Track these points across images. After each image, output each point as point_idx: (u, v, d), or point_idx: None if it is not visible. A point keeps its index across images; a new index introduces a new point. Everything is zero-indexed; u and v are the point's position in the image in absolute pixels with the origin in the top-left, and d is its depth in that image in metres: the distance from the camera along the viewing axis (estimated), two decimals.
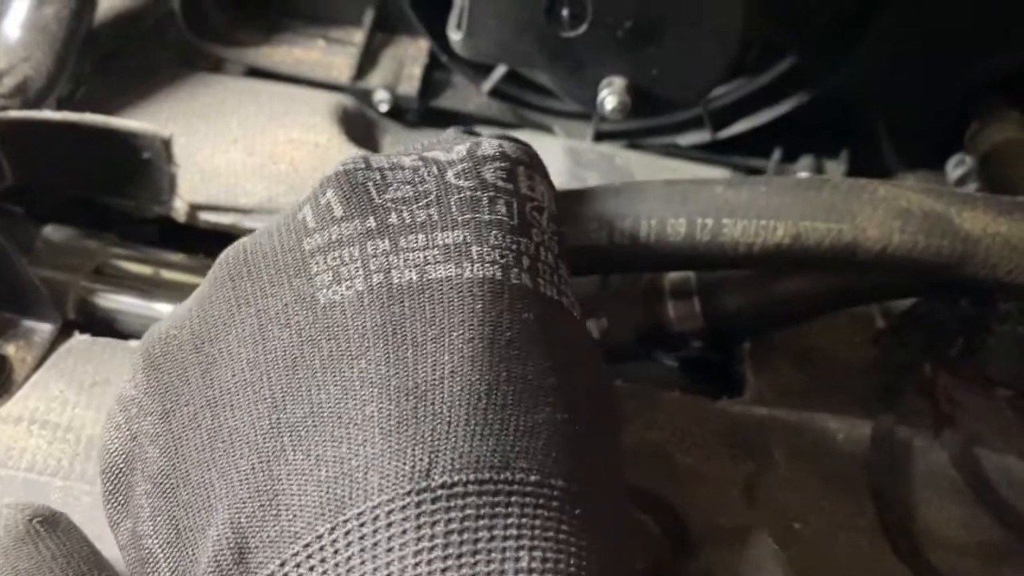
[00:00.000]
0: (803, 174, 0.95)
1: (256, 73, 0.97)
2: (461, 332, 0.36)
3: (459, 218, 0.39)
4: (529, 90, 0.97)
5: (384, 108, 0.97)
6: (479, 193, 0.40)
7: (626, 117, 0.69)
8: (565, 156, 0.91)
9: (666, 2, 0.64)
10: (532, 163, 0.45)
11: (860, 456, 0.62)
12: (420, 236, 0.38)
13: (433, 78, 0.99)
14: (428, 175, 0.41)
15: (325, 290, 0.37)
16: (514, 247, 0.39)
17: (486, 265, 0.38)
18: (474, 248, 0.38)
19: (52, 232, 0.74)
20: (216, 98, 0.88)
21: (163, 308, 0.69)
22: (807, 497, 0.59)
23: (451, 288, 0.37)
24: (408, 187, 0.40)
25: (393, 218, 0.39)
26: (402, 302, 0.37)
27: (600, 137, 0.98)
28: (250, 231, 0.72)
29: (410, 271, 0.37)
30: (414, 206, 0.39)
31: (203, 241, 0.77)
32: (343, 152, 0.83)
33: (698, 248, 0.54)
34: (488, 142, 0.43)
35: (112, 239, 0.75)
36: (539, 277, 0.39)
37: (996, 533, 0.59)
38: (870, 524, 0.58)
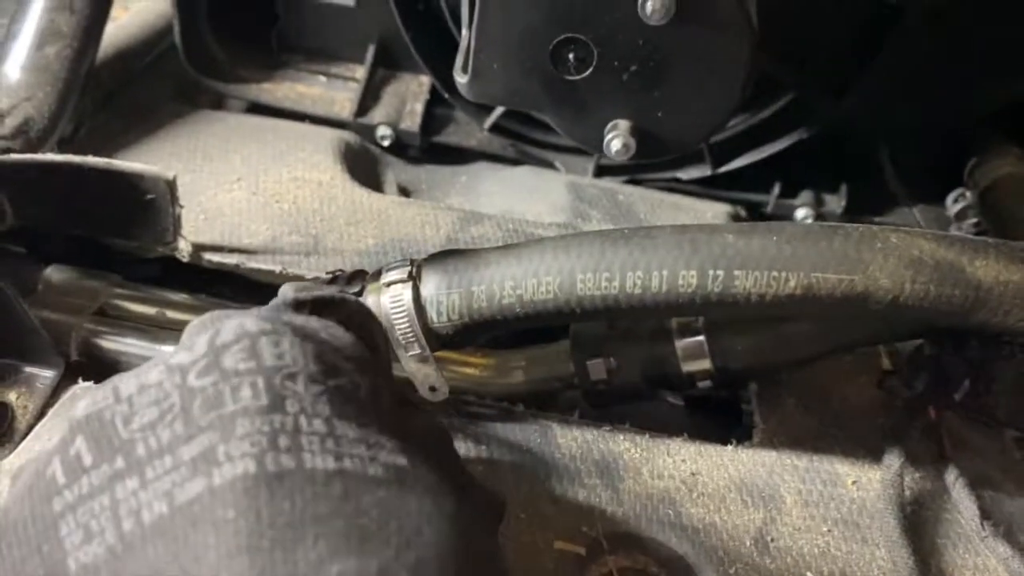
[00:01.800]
0: (802, 211, 0.95)
1: (258, 109, 0.97)
2: (216, 552, 0.34)
3: (202, 422, 0.38)
4: (530, 126, 0.98)
5: (386, 143, 0.97)
6: (221, 386, 0.39)
7: (630, 159, 0.69)
8: (567, 192, 0.91)
9: (671, 46, 0.64)
10: (276, 329, 0.42)
11: (870, 501, 0.62)
12: (167, 459, 0.37)
13: (435, 114, 0.99)
14: (171, 386, 0.40)
15: (76, 552, 0.36)
16: (266, 429, 0.37)
17: (235, 462, 0.36)
18: (220, 449, 0.37)
19: (54, 273, 0.74)
20: (219, 136, 0.88)
21: (167, 349, 0.68)
22: (819, 545, 0.59)
23: (201, 507, 0.36)
24: (154, 408, 0.39)
25: (140, 449, 0.38)
26: (155, 543, 0.35)
27: (601, 172, 0.98)
28: (254, 271, 0.74)
29: (159, 503, 0.36)
30: (159, 428, 0.38)
31: (207, 277, 0.77)
32: (346, 191, 0.83)
33: (710, 299, 0.54)
34: (229, 325, 0.42)
35: (115, 279, 0.75)
36: (304, 452, 0.37)
37: None
38: (883, 572, 0.58)
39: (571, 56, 0.65)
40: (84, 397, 0.41)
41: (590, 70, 0.65)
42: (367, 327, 0.49)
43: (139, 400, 0.40)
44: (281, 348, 0.41)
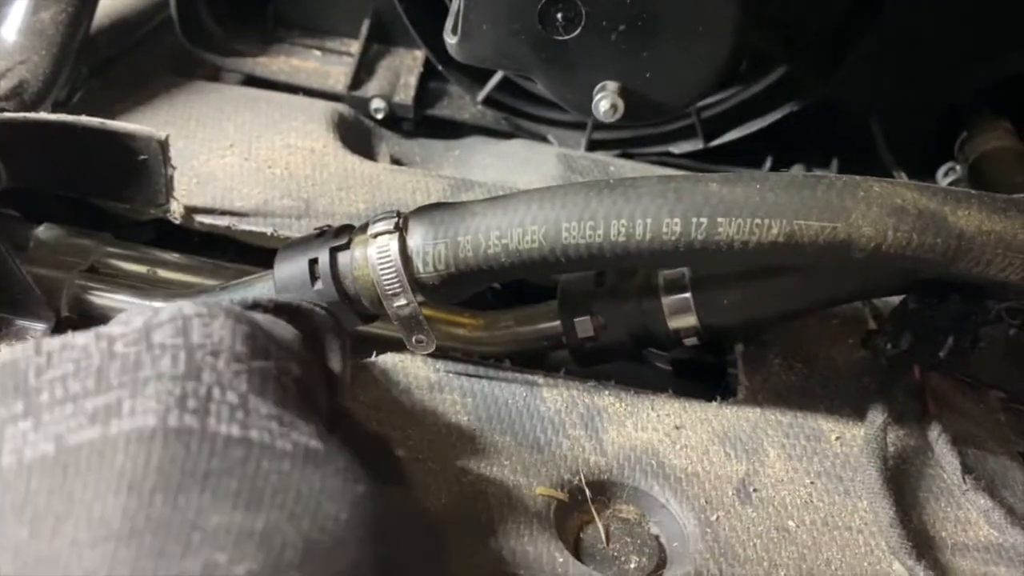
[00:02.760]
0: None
1: (253, 82, 0.98)
2: (94, 490, 0.35)
3: (115, 381, 0.39)
4: (523, 99, 0.98)
5: (380, 116, 0.97)
6: (143, 355, 0.41)
7: (619, 121, 0.69)
8: (559, 163, 0.92)
9: (659, 6, 0.64)
10: (210, 312, 0.44)
11: (853, 456, 0.63)
12: (68, 407, 0.39)
13: (429, 87, 1.00)
14: (95, 349, 0.41)
15: None
16: (176, 391, 0.39)
17: (137, 416, 0.38)
18: (126, 404, 0.38)
19: (45, 231, 0.74)
20: (213, 105, 0.89)
21: (159, 306, 0.68)
22: (801, 496, 0.59)
23: (90, 451, 0.37)
24: (70, 364, 0.40)
25: (44, 396, 0.39)
26: (31, 479, 0.36)
27: (593, 146, 0.98)
28: (245, 233, 0.75)
29: (46, 444, 0.37)
30: (69, 380, 0.40)
31: (199, 243, 0.78)
32: (338, 158, 0.84)
33: (693, 247, 0.55)
34: (168, 309, 0.44)
35: (106, 238, 0.75)
36: (210, 417, 0.39)
37: (989, 532, 0.59)
38: (864, 523, 0.58)
39: (559, 16, 0.66)
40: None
41: (578, 30, 0.66)
42: (325, 340, 0.51)
43: (58, 356, 0.41)
44: (210, 328, 0.42)
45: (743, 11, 0.66)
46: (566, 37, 0.66)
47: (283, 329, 0.47)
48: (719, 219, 0.55)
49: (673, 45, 0.66)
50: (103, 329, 0.43)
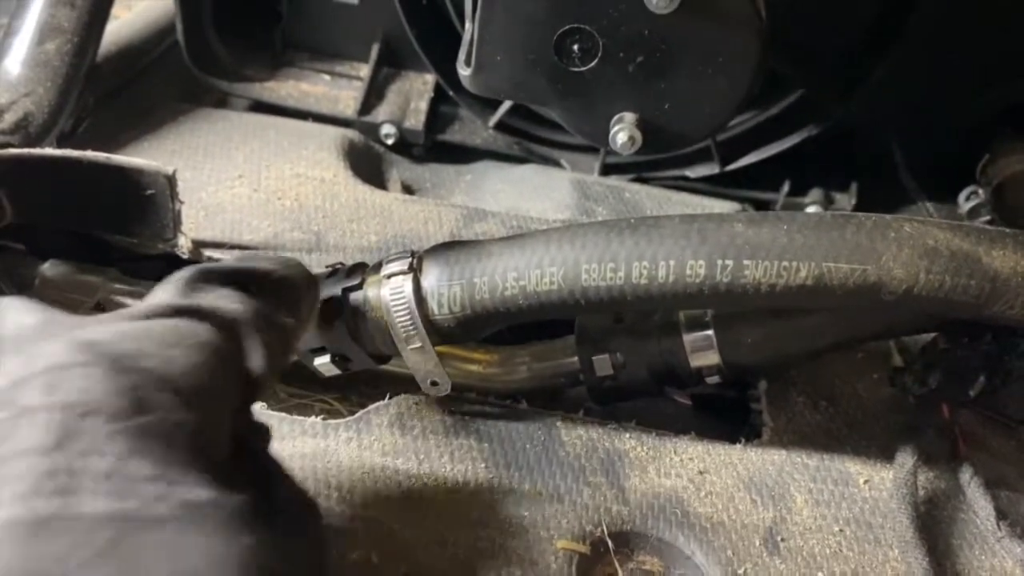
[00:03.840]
0: (812, 209, 0.94)
1: (261, 108, 0.97)
2: None
3: None
4: (535, 123, 0.97)
5: (391, 142, 0.96)
6: (9, 422, 0.37)
7: (637, 152, 0.68)
8: (573, 189, 0.90)
9: (678, 35, 0.63)
10: (89, 360, 0.40)
11: (883, 501, 0.61)
12: None
13: (439, 112, 0.98)
14: None
15: None
16: (43, 467, 0.35)
17: (2, 507, 0.34)
18: None
19: (51, 268, 0.73)
20: (221, 133, 0.88)
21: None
22: (831, 545, 0.57)
23: None
24: None
25: None
26: None
27: (607, 170, 0.97)
28: None
29: None
30: None
31: None
32: (349, 188, 0.82)
33: (718, 290, 0.53)
34: (44, 354, 0.40)
35: (113, 274, 0.74)
36: (77, 495, 0.36)
37: None
38: (896, 574, 0.56)
39: (575, 47, 0.64)
40: None
41: (595, 61, 0.64)
42: (238, 339, 0.46)
43: None
44: (88, 382, 0.39)
45: (764, 40, 0.64)
46: (583, 68, 0.64)
47: (182, 361, 0.42)
48: (745, 261, 0.53)
49: (692, 76, 0.64)
50: None
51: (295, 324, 0.51)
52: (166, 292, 0.46)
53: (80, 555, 0.34)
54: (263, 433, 0.48)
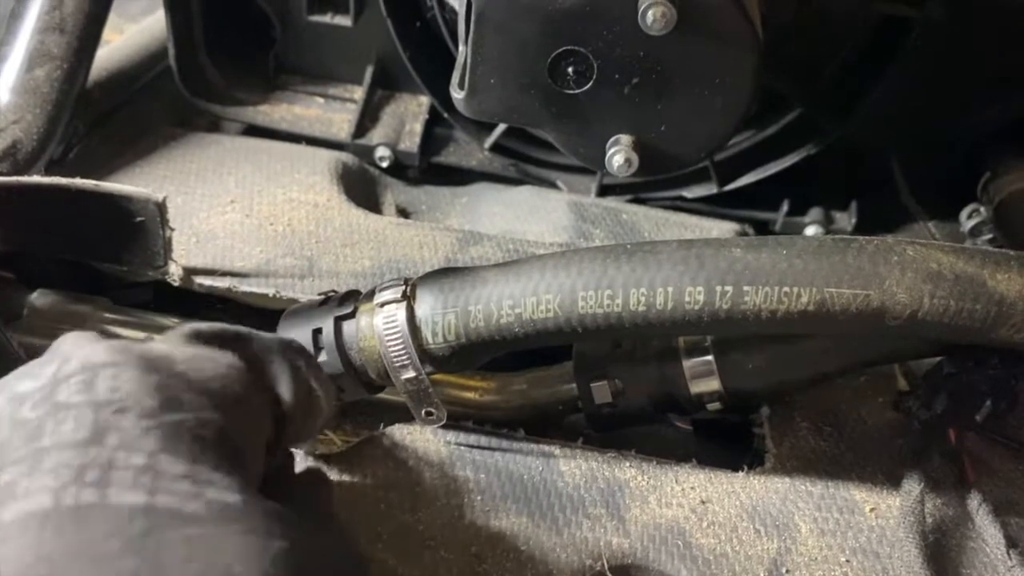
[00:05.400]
0: (812, 229, 0.93)
1: (254, 131, 0.96)
2: None
3: (15, 455, 0.37)
4: (531, 145, 0.96)
5: (385, 164, 0.95)
6: (46, 419, 0.39)
7: (633, 175, 0.67)
8: (569, 211, 0.89)
9: (674, 57, 0.62)
10: (119, 360, 0.41)
11: (890, 529, 0.59)
12: None
13: (434, 134, 0.97)
14: (5, 416, 0.40)
15: None
16: (75, 463, 0.37)
17: (32, 497, 0.36)
18: (22, 484, 0.36)
19: (40, 298, 0.72)
20: (213, 158, 0.87)
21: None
22: None
23: None
24: None
25: None
26: None
27: (604, 191, 0.96)
28: (247, 295, 0.72)
29: None
30: None
31: (199, 301, 0.75)
32: (343, 212, 0.81)
33: (718, 316, 0.52)
34: (78, 355, 0.41)
35: (103, 303, 0.73)
36: (111, 487, 0.37)
37: None
38: None
39: (570, 70, 0.63)
40: None
41: (590, 84, 0.63)
42: (270, 367, 0.48)
43: None
44: (118, 381, 0.40)
45: (762, 59, 0.64)
46: (577, 91, 0.63)
47: (205, 369, 0.44)
48: (745, 287, 0.52)
49: (689, 97, 0.63)
50: (14, 385, 0.41)
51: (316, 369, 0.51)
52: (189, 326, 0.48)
53: (112, 544, 0.35)
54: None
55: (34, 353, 0.63)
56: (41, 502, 0.35)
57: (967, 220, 0.91)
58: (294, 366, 0.49)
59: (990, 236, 0.89)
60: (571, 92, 0.64)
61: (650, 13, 0.57)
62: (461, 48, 0.65)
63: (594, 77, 0.63)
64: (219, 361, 0.45)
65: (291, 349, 0.50)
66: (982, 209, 0.90)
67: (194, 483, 0.38)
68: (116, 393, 0.40)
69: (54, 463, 0.37)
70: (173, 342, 0.45)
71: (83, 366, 0.41)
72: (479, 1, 0.60)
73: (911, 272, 0.51)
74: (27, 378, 0.41)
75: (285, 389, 0.48)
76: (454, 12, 0.74)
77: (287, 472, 0.49)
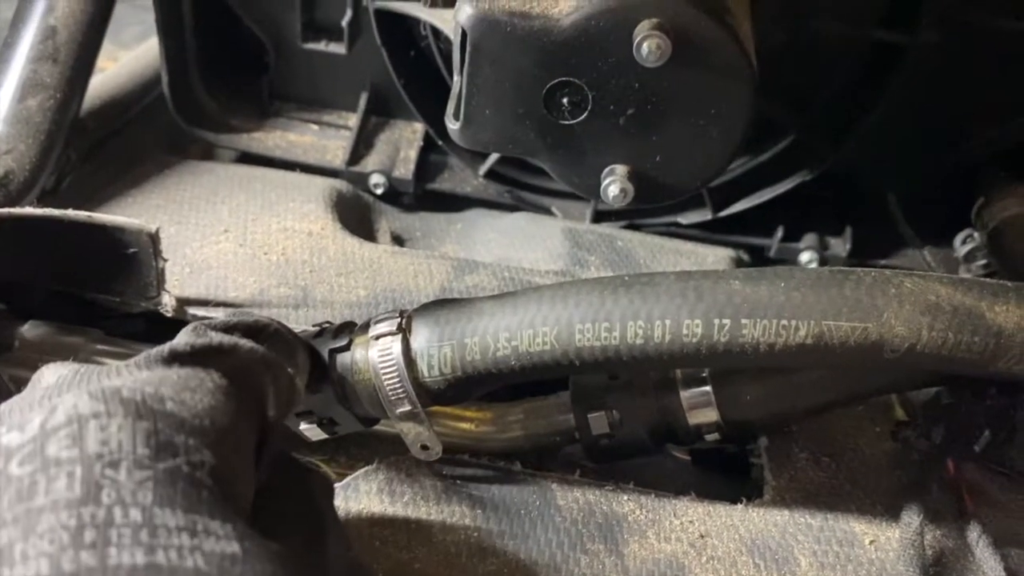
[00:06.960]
0: (806, 254, 0.93)
1: (249, 159, 0.96)
2: None
3: (8, 516, 0.36)
4: (526, 171, 0.96)
5: (380, 191, 0.95)
6: (37, 476, 0.38)
7: (629, 204, 0.67)
8: (564, 238, 0.89)
9: (669, 88, 0.62)
10: (107, 410, 0.40)
11: (889, 562, 0.59)
12: None
13: (429, 160, 0.97)
14: None
15: None
16: (72, 524, 0.36)
17: (29, 563, 0.35)
18: (18, 548, 0.35)
19: (31, 329, 0.71)
20: (207, 186, 0.86)
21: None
22: None
23: None
24: None
25: None
26: None
27: (599, 217, 0.96)
28: None
29: None
30: None
31: None
32: (337, 241, 0.81)
33: (716, 349, 0.51)
34: (63, 404, 0.40)
35: (95, 335, 0.72)
36: (111, 547, 0.36)
37: None
38: None
39: (565, 100, 0.63)
40: None
41: (585, 114, 0.63)
42: (254, 378, 0.47)
43: None
44: (107, 433, 0.39)
45: (756, 89, 0.64)
46: (572, 122, 0.63)
47: (193, 404, 0.43)
48: (743, 320, 0.51)
49: (684, 128, 0.64)
50: (3, 441, 0.39)
51: (294, 372, 0.52)
52: (180, 338, 0.47)
53: None
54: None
55: (23, 386, 0.63)
56: (39, 569, 0.34)
57: (961, 246, 0.91)
58: (276, 376, 0.49)
59: (984, 262, 0.88)
60: (566, 123, 0.64)
61: (645, 45, 0.57)
62: (456, 78, 0.65)
63: (589, 108, 0.63)
64: (205, 387, 0.44)
65: (272, 359, 0.49)
66: (976, 235, 0.90)
67: (192, 535, 0.37)
68: (106, 446, 0.39)
69: (50, 524, 0.36)
70: (152, 367, 0.44)
71: (69, 418, 0.39)
72: (474, 32, 0.60)
73: (909, 304, 0.51)
74: (13, 430, 0.40)
75: (270, 402, 0.48)
76: (448, 41, 0.74)
77: (276, 480, 0.48)
